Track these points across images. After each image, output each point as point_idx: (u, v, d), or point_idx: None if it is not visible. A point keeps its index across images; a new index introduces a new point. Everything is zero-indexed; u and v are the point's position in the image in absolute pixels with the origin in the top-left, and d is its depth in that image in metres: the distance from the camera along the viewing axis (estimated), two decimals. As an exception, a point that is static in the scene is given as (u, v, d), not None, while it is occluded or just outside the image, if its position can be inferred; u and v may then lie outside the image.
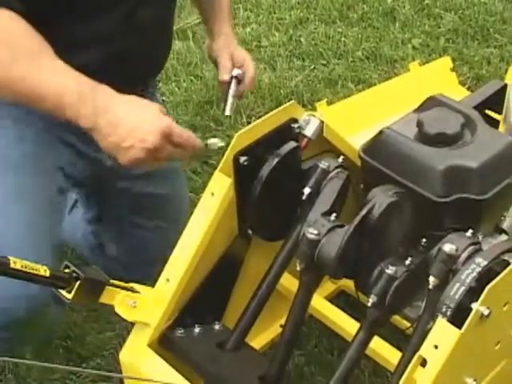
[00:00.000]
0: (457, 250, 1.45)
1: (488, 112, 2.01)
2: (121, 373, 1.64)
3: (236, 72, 1.87)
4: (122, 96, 1.54)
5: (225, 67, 1.89)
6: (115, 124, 1.50)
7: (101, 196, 2.09)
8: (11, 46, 1.51)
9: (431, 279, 1.47)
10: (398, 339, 1.78)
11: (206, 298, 1.67)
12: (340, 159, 1.69)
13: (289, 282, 1.77)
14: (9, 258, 1.34)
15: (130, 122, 1.51)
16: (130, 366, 1.61)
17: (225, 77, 1.88)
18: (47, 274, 1.40)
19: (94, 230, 2.19)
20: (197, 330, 1.67)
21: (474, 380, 1.39)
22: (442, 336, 1.33)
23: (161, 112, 1.56)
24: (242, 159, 1.60)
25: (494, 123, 1.93)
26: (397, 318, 1.79)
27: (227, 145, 1.61)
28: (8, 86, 1.52)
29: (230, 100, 1.86)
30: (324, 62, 3.13)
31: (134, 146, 1.50)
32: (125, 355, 1.62)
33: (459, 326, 1.32)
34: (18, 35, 1.52)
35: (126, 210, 2.08)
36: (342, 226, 1.55)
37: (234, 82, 1.86)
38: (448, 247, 1.45)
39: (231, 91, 1.85)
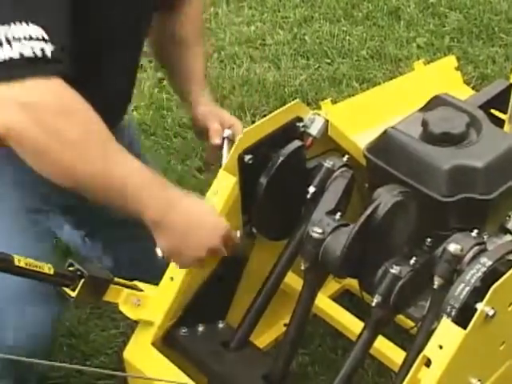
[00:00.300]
0: (462, 250, 1.45)
1: (493, 111, 2.01)
2: (124, 371, 1.64)
3: (227, 133, 1.80)
4: (184, 193, 1.53)
5: (215, 131, 1.82)
6: (179, 223, 1.49)
7: (88, 218, 2.04)
8: (83, 129, 1.40)
9: (436, 279, 1.47)
10: (403, 339, 1.78)
11: (209, 297, 1.66)
12: (345, 158, 1.69)
13: (293, 281, 1.76)
14: (13, 255, 1.34)
15: (195, 223, 1.51)
16: (133, 365, 1.61)
17: (217, 140, 1.81)
18: (51, 271, 1.40)
19: (90, 245, 2.17)
20: (200, 328, 1.67)
21: (479, 380, 1.39)
22: (447, 336, 1.33)
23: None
24: (247, 158, 1.60)
25: (500, 123, 1.93)
26: (401, 318, 1.79)
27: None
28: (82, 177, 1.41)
29: (224, 162, 1.74)
30: (328, 60, 3.12)
31: (197, 248, 1.52)
32: (128, 354, 1.62)
33: (464, 327, 1.32)
34: (86, 115, 1.41)
35: (115, 225, 2.05)
36: (346, 225, 1.55)
37: (225, 143, 1.79)
38: (453, 247, 1.45)
39: (225, 153, 1.77)
